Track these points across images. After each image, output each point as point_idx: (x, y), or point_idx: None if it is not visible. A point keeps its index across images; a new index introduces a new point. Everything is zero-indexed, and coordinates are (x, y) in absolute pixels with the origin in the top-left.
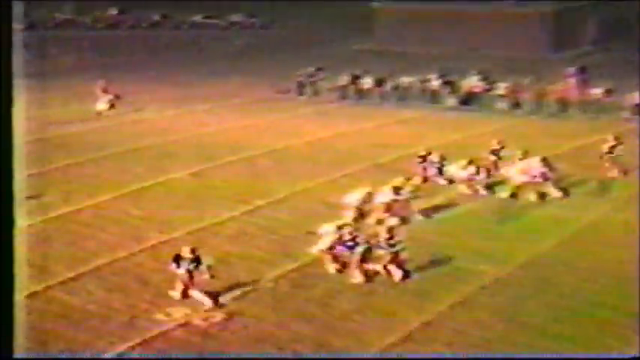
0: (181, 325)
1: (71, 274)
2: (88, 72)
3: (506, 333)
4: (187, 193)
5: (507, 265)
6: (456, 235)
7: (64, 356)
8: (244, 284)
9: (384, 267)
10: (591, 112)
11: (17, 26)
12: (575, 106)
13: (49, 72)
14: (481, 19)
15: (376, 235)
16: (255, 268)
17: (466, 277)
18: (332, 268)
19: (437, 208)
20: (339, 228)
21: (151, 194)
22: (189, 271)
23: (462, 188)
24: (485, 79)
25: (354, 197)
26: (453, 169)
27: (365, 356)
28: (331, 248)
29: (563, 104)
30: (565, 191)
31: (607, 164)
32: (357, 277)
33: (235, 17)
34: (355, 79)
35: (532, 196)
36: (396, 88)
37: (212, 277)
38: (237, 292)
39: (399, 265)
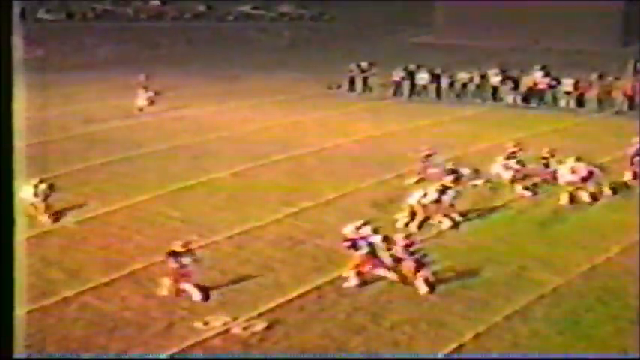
0: (220, 334)
1: (105, 279)
2: (128, 65)
3: (565, 346)
4: (229, 194)
5: (567, 273)
6: (510, 240)
7: (64, 356)
8: (288, 291)
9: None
10: None
11: (49, 16)
12: None
13: (86, 65)
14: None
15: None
16: (300, 275)
17: (522, 285)
18: (354, 280)
19: (491, 210)
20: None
21: (190, 195)
22: (184, 265)
23: (509, 190)
24: (548, 74)
25: (414, 198)
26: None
27: (370, 356)
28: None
29: (631, 101)
30: (614, 190)
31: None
32: (421, 287)
33: (284, 8)
34: (410, 74)
35: (584, 197)
36: (453, 84)
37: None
38: (280, 300)
39: (425, 278)
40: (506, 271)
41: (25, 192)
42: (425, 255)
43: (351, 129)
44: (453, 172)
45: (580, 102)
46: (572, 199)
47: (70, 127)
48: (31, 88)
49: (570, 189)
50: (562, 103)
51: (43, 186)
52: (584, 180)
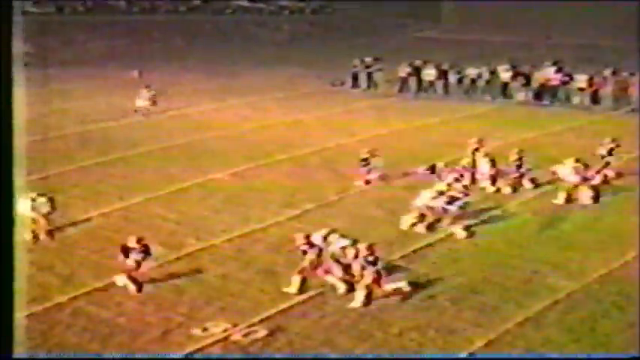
0: (220, 341)
1: (100, 284)
2: (121, 61)
3: (580, 354)
4: (228, 195)
5: (582, 277)
6: (522, 244)
7: (64, 356)
8: (290, 297)
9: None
10: None
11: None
12: None
13: (77, 60)
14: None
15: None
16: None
17: (536, 291)
18: (342, 287)
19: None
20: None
21: (187, 196)
22: (138, 262)
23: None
24: (561, 70)
25: (422, 199)
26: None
27: (367, 356)
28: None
29: None
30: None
31: None
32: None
33: (284, 1)
34: (416, 70)
35: (586, 198)
36: (461, 80)
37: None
38: (282, 305)
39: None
40: (518, 276)
41: (22, 205)
42: (391, 267)
43: (355, 127)
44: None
45: (594, 99)
46: (571, 200)
47: (61, 126)
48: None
49: (568, 188)
50: (576, 100)
51: (42, 199)
52: (585, 180)
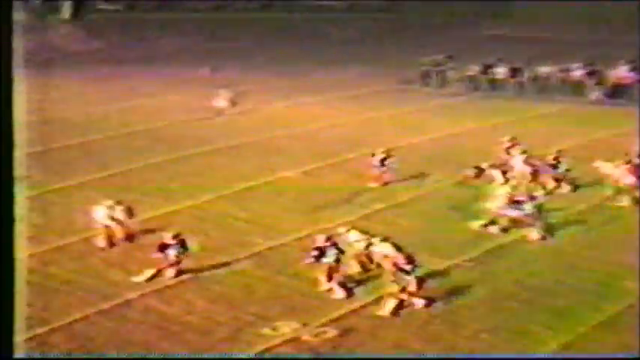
0: (289, 341)
1: (169, 282)
2: (190, 58)
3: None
4: (298, 194)
5: None
6: (595, 246)
7: (64, 356)
8: (361, 296)
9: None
10: None
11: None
12: None
13: (147, 57)
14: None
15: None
16: (373, 279)
17: (611, 294)
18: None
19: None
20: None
21: (257, 195)
22: (177, 257)
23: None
24: (635, 69)
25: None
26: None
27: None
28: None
29: None
30: None
31: None
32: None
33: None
34: (487, 68)
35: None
36: (533, 78)
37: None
38: (353, 305)
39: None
40: (594, 279)
41: (98, 212)
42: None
43: (425, 126)
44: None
45: None
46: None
47: (131, 123)
48: (88, 81)
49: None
50: None
51: (119, 207)
52: None
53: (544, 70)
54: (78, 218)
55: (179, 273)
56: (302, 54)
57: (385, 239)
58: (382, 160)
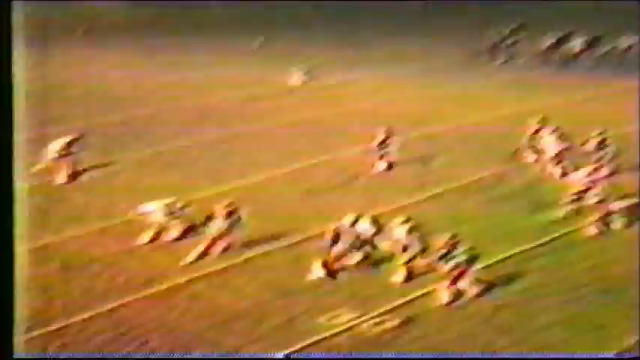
0: (347, 332)
1: (219, 266)
2: (242, 27)
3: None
4: (356, 175)
5: None
6: None
7: (65, 356)
8: (424, 284)
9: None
10: None
11: None
12: None
13: (196, 26)
14: None
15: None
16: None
17: None
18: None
19: None
20: None
21: (313, 175)
22: (222, 231)
23: None
24: None
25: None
26: None
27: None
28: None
29: None
30: None
31: None
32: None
33: None
34: (562, 40)
35: None
36: (613, 51)
37: None
38: (415, 294)
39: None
40: None
41: (151, 208)
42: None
43: (494, 103)
44: None
45: None
46: None
47: (178, 98)
48: (134, 52)
49: None
50: None
51: (178, 204)
52: None
53: (626, 41)
54: (122, 198)
55: (228, 248)
56: (362, 23)
57: (406, 221)
58: (382, 142)
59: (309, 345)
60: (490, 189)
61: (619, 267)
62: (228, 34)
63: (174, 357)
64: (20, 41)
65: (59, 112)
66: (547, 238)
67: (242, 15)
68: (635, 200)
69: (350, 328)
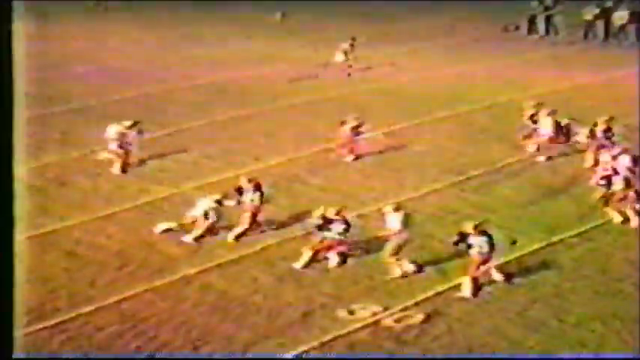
0: (368, 326)
1: (233, 257)
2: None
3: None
4: (380, 158)
5: None
6: None
7: (64, 356)
8: (450, 276)
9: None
10: None
11: None
12: None
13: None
14: None
15: None
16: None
17: None
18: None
19: None
20: None
21: (333, 159)
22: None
23: None
24: None
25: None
26: None
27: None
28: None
29: None
30: None
31: None
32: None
33: None
34: (605, 12)
35: None
36: None
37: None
38: (441, 287)
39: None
40: None
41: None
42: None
43: (530, 81)
44: None
45: None
46: None
47: (192, 75)
48: (147, 26)
49: None
50: None
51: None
52: None
53: None
54: (132, 182)
55: (253, 221)
56: None
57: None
58: (355, 128)
59: (328, 341)
60: (525, 172)
61: None
62: (243, 8)
63: (182, 354)
64: (32, 16)
65: (66, 89)
66: (583, 228)
67: None
68: None
69: (372, 323)
